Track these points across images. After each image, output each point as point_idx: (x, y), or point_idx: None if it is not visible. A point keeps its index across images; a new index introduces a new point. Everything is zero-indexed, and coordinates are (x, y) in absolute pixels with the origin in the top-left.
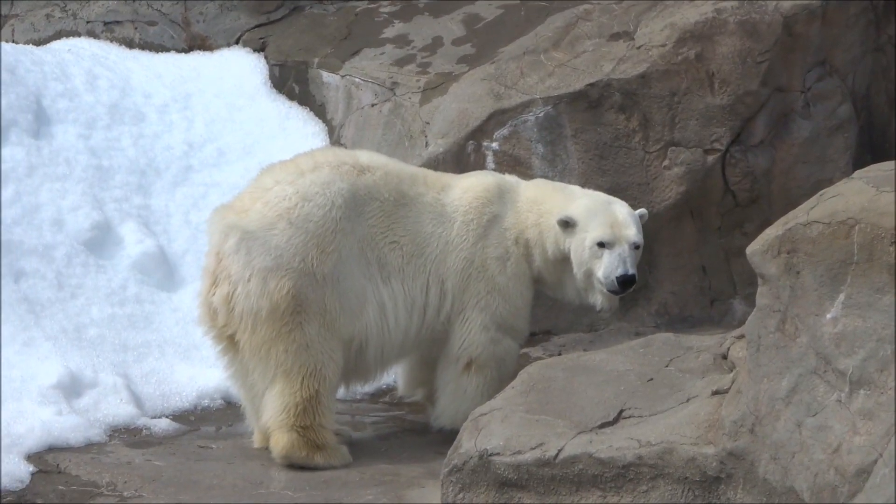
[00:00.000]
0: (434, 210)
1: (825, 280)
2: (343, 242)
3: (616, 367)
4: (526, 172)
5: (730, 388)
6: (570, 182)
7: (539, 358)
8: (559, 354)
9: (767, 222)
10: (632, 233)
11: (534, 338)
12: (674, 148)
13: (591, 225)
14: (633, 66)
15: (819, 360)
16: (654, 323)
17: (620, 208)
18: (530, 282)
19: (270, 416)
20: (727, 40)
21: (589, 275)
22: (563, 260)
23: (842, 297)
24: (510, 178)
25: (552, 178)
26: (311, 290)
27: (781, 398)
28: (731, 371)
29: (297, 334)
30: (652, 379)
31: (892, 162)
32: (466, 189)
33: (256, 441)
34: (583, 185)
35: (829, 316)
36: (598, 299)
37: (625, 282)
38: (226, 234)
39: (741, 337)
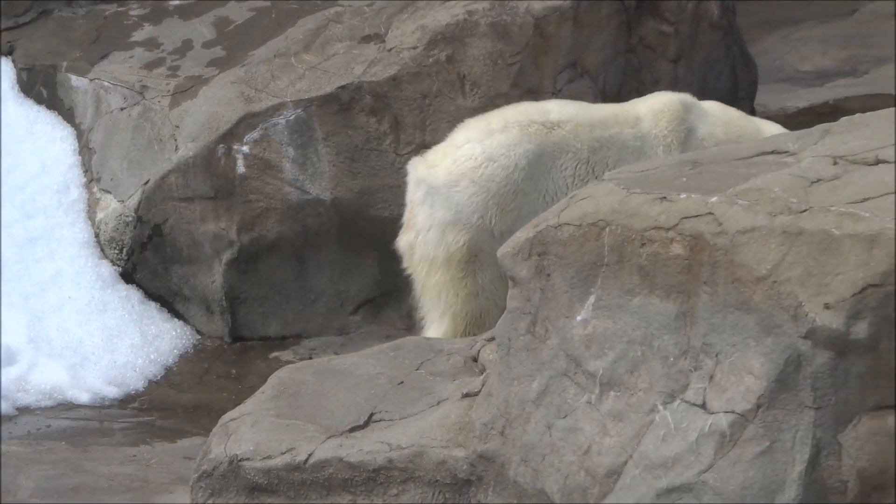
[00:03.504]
0: (634, 146)
1: (576, 282)
2: (523, 202)
3: (367, 371)
4: (277, 176)
5: (480, 390)
6: (320, 186)
7: (290, 361)
8: (310, 358)
9: None
10: None
11: (284, 341)
12: (425, 150)
13: None
14: (384, 69)
15: (569, 362)
16: (404, 326)
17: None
18: None
19: None
20: (478, 42)
21: None
22: None
23: (592, 299)
24: (686, 95)
25: (302, 182)
26: (488, 245)
27: (532, 400)
28: (482, 374)
29: (469, 281)
30: (402, 382)
31: (643, 163)
32: (657, 115)
33: None
34: (333, 190)
35: (579, 318)
36: None
37: None
38: (417, 186)
39: (492, 339)
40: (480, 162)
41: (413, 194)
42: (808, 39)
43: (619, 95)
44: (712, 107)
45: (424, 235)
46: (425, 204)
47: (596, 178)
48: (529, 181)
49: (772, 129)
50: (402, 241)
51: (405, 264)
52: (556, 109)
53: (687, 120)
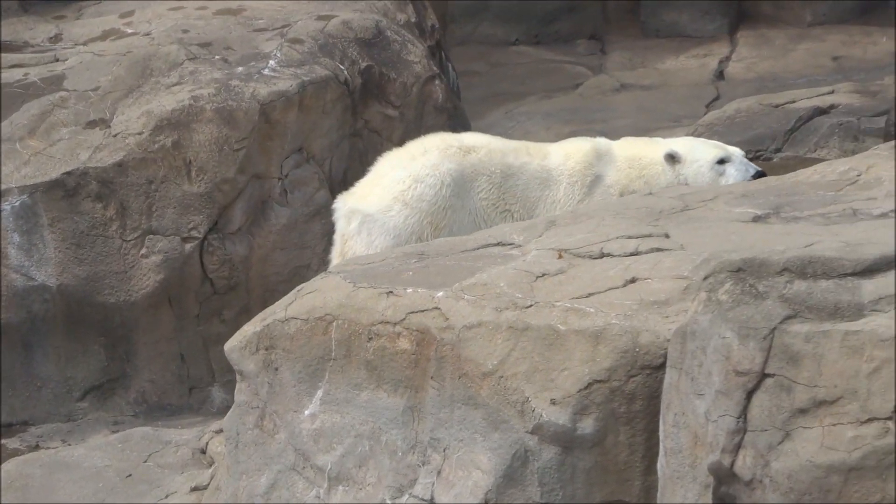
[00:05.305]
0: (540, 176)
1: (304, 376)
2: (454, 217)
3: (94, 463)
4: (2, 262)
5: (209, 484)
6: (46, 272)
7: (17, 450)
8: (37, 447)
9: (246, 309)
10: (734, 147)
11: (10, 429)
12: (151, 236)
13: (699, 151)
14: (109, 155)
15: (298, 456)
16: (132, 412)
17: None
18: None
19: None
20: (204, 128)
21: None
22: None
23: (320, 393)
24: (602, 141)
25: (28, 269)
26: None
27: (260, 495)
28: (211, 466)
29: None
30: (131, 475)
31: (370, 255)
32: (568, 155)
33: None
34: (59, 276)
35: (307, 412)
36: None
37: (760, 176)
38: (349, 219)
39: (220, 431)
40: (409, 185)
41: (346, 227)
42: (532, 114)
43: (344, 180)
44: (629, 151)
45: None
46: (362, 233)
47: (506, 204)
48: (456, 198)
49: (678, 144)
50: None
51: None
52: (470, 137)
53: (595, 166)
